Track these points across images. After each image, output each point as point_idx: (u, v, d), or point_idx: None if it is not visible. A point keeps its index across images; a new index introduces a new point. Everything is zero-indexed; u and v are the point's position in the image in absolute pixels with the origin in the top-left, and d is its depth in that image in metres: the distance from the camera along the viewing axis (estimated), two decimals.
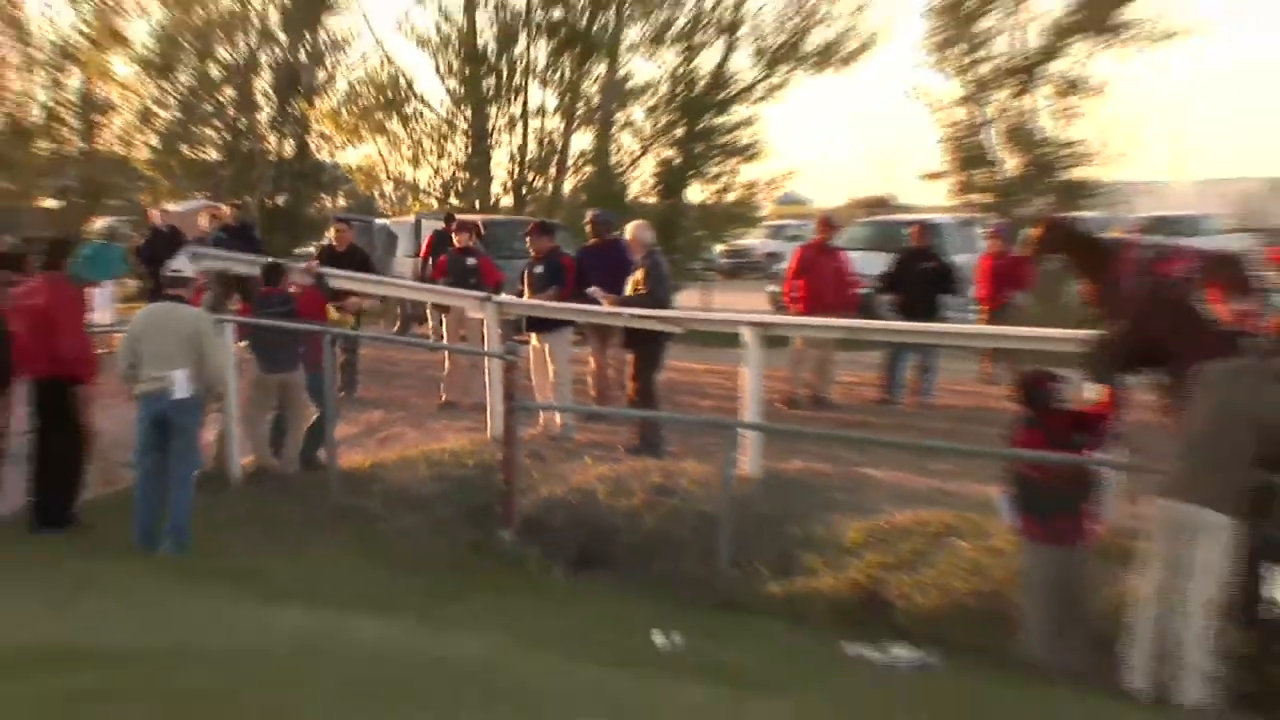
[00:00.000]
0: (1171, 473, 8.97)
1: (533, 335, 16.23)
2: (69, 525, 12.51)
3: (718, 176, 32.32)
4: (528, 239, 17.35)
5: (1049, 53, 28.94)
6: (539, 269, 16.53)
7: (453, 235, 19.69)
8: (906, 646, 9.90)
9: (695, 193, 32.39)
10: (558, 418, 15.59)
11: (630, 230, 16.03)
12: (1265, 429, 8.66)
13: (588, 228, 17.46)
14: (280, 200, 35.83)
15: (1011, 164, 29.15)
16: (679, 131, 31.89)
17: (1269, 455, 8.64)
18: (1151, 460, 9.74)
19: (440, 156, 33.86)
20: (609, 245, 16.53)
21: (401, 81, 34.10)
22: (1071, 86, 29.01)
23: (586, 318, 16.12)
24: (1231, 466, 8.67)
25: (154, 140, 35.52)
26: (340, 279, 17.55)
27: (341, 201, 39.30)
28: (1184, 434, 9.04)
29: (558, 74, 32.83)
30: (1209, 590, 8.59)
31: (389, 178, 34.91)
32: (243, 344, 15.41)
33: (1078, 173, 28.92)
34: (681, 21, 31.92)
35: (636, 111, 32.59)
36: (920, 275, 18.55)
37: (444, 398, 17.74)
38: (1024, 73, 28.98)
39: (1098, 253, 17.79)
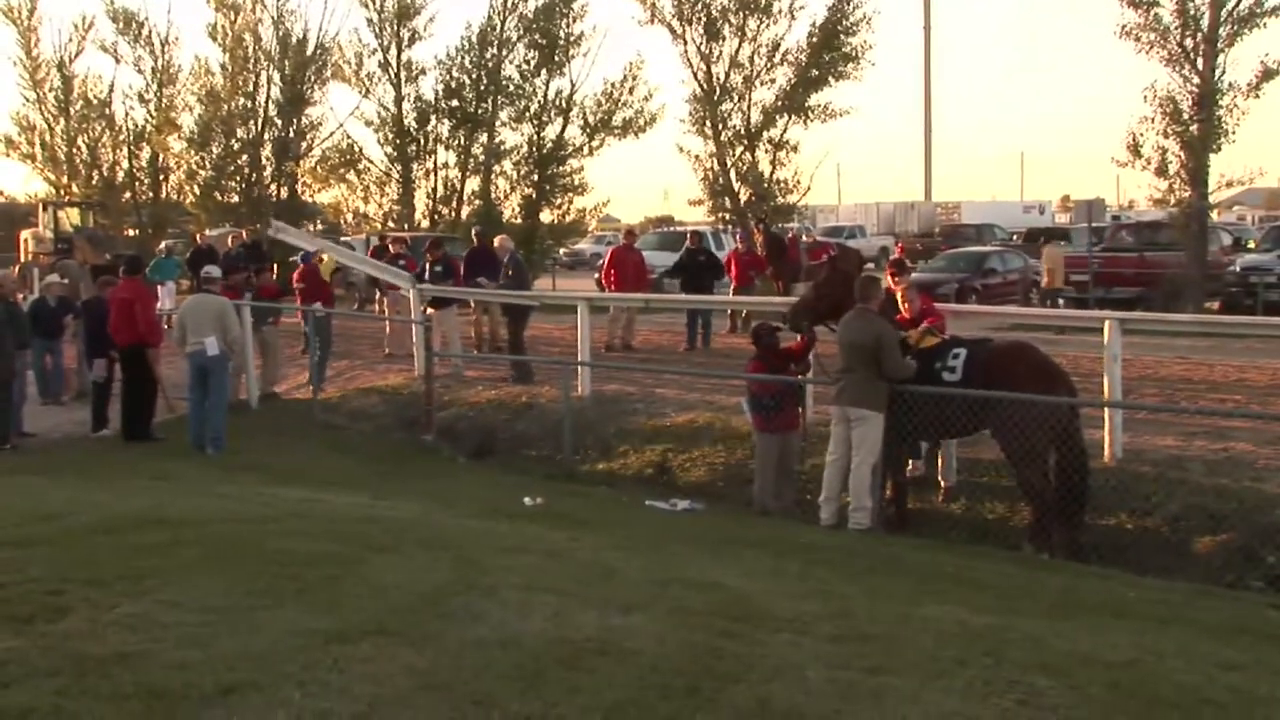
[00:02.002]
0: (837, 385, 9.18)
1: (427, 309, 16.03)
2: (147, 438, 12.46)
3: (560, 205, 32.10)
4: (426, 250, 17.60)
5: (764, 125, 29.05)
6: (438, 268, 16.64)
7: (389, 247, 19.68)
8: (683, 499, 10.12)
9: (546, 216, 32.23)
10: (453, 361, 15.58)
11: (497, 241, 16.74)
12: (860, 349, 8.89)
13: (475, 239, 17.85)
14: None
15: (743, 194, 29.24)
16: (535, 177, 31.64)
17: (887, 370, 8.85)
18: (828, 378, 9.83)
19: (381, 196, 33.39)
20: (488, 250, 16.72)
21: (355, 148, 33.62)
22: (779, 145, 29.18)
23: (481, 298, 16.58)
24: (866, 380, 8.90)
25: (197, 190, 34.99)
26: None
27: (319, 226, 39.33)
28: (840, 360, 9.26)
29: (456, 141, 32.39)
30: (868, 458, 8.85)
31: (348, 210, 34.51)
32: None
33: (784, 199, 29.16)
34: (534, 106, 31.64)
35: (507, 164, 32.28)
36: (696, 265, 18.76)
37: (387, 351, 17.63)
38: (749, 137, 29.09)
39: (780, 245, 18.37)
